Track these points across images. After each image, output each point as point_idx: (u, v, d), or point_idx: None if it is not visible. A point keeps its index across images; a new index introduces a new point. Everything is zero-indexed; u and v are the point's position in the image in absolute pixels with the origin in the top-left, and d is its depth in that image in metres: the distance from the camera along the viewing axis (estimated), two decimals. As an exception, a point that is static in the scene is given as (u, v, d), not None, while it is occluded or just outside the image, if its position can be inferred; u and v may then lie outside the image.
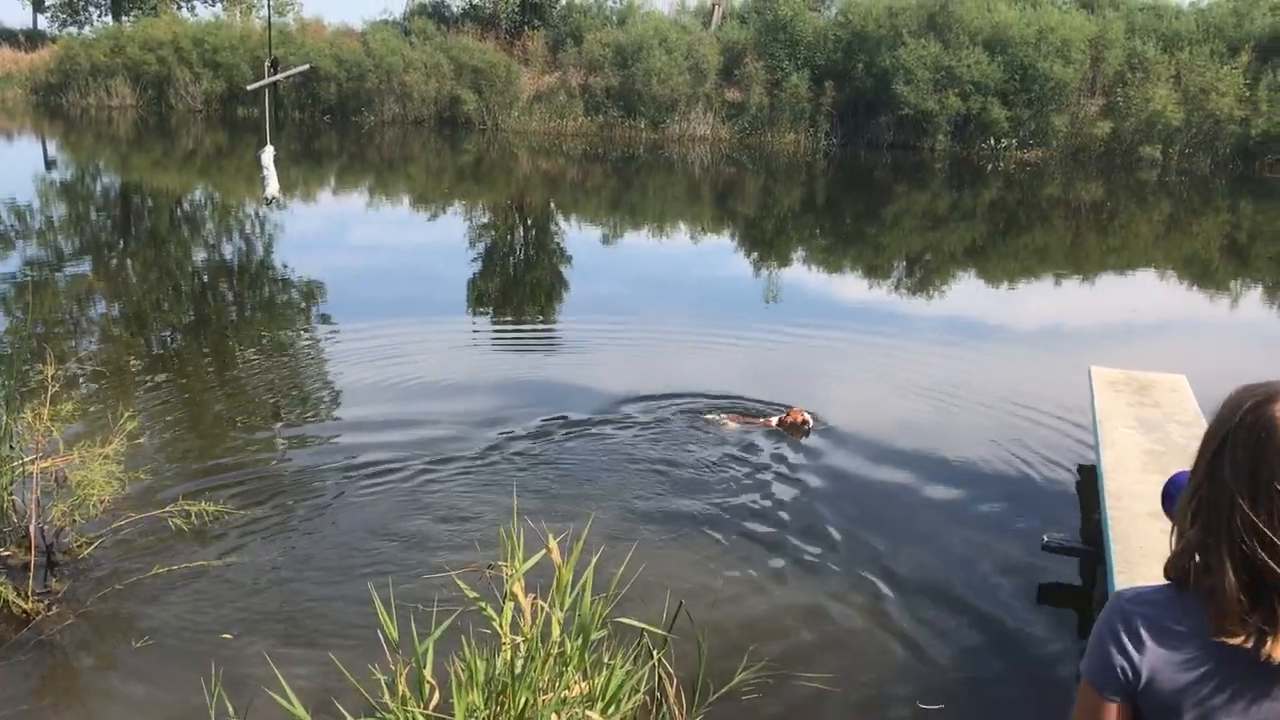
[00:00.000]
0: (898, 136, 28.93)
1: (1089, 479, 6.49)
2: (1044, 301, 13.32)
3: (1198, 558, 1.52)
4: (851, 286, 13.94)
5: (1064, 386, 8.33)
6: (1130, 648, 1.55)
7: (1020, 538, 5.82)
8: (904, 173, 26.25)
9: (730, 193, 23.30)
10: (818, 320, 11.14)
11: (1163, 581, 1.61)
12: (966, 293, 13.77)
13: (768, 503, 6.22)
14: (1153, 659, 1.53)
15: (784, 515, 6.06)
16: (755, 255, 16.51)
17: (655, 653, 3.64)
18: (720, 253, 16.64)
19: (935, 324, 11.36)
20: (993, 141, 28.31)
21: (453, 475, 6.40)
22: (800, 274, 14.87)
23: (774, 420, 7.43)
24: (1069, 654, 4.71)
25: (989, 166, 27.01)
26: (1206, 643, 1.51)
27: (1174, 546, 1.60)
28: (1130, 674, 1.55)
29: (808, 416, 7.37)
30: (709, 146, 29.43)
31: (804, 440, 7.18)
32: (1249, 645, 1.47)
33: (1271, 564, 1.44)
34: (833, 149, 29.19)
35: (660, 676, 3.73)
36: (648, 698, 3.67)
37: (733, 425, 7.40)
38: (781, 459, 6.87)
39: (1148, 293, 14.21)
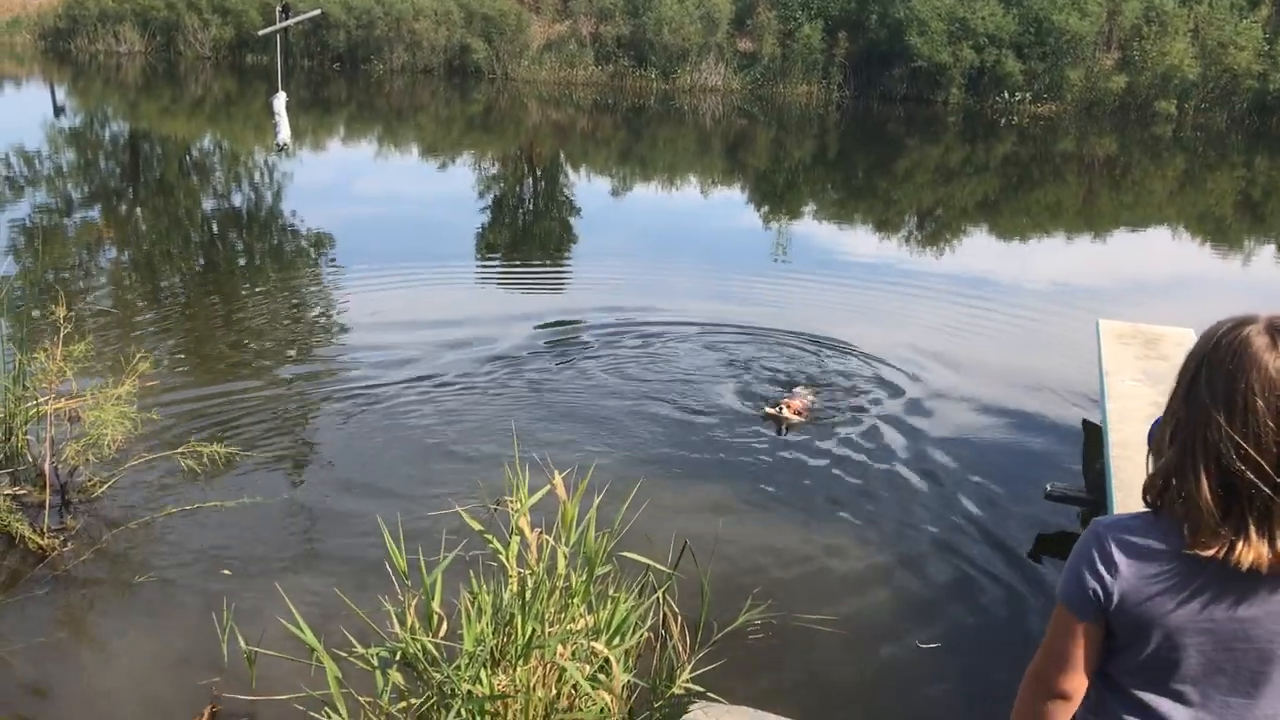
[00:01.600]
0: (911, 89, 28.61)
1: (1094, 430, 6.52)
2: (1055, 256, 13.25)
3: (1174, 479, 1.60)
4: (862, 240, 13.88)
5: (1073, 340, 8.32)
6: (1103, 570, 1.62)
7: (1023, 486, 5.86)
8: (917, 126, 26.01)
9: (741, 145, 23.13)
10: (826, 271, 11.14)
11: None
12: (978, 247, 13.71)
13: (770, 446, 6.27)
14: (1124, 580, 1.61)
15: (787, 459, 6.11)
16: (766, 208, 16.44)
17: (659, 590, 3.70)
18: (731, 205, 16.57)
19: (946, 277, 11.33)
20: (1006, 95, 27.98)
21: (457, 413, 6.50)
22: (810, 227, 14.80)
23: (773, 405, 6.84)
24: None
25: (1002, 120, 26.74)
26: (1179, 558, 1.58)
27: (1149, 471, 1.67)
28: (1102, 596, 1.62)
29: (786, 416, 6.61)
30: (720, 97, 29.15)
31: (810, 387, 7.19)
32: (1220, 556, 1.54)
33: (1249, 474, 1.50)
34: (845, 101, 28.90)
35: (665, 614, 3.79)
36: (652, 634, 3.73)
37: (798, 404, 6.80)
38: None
39: (1160, 248, 14.13)
